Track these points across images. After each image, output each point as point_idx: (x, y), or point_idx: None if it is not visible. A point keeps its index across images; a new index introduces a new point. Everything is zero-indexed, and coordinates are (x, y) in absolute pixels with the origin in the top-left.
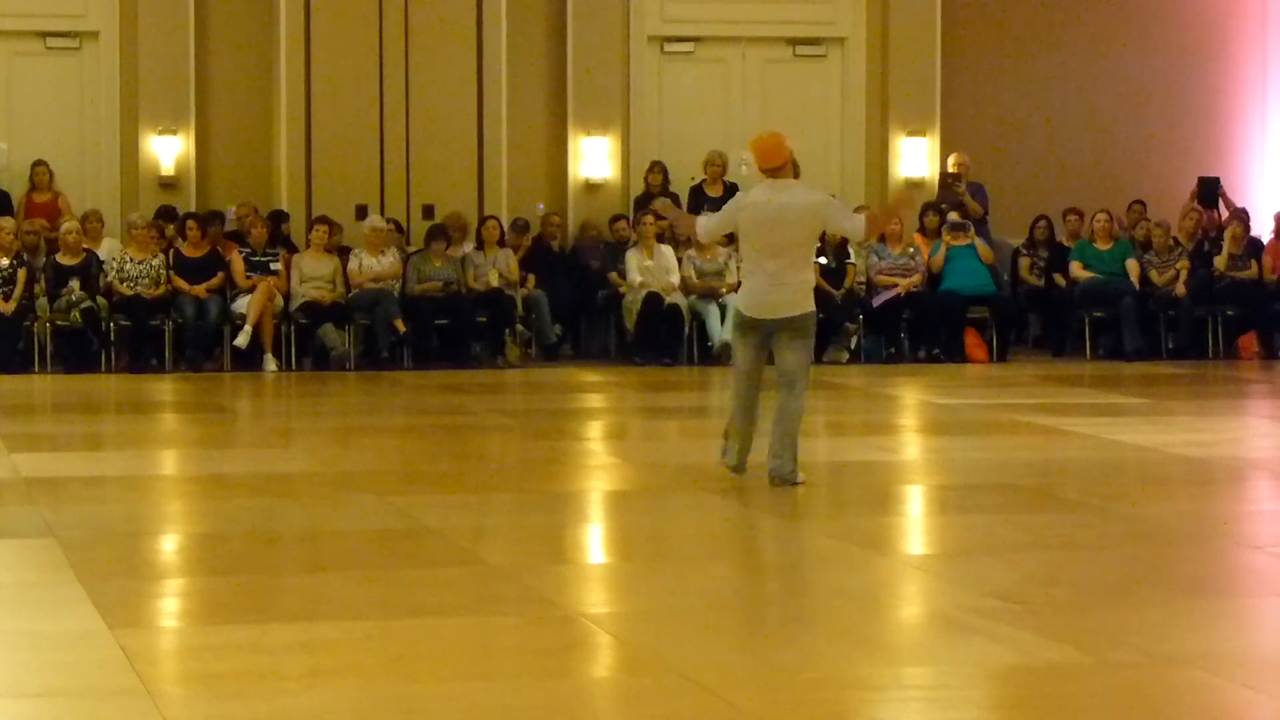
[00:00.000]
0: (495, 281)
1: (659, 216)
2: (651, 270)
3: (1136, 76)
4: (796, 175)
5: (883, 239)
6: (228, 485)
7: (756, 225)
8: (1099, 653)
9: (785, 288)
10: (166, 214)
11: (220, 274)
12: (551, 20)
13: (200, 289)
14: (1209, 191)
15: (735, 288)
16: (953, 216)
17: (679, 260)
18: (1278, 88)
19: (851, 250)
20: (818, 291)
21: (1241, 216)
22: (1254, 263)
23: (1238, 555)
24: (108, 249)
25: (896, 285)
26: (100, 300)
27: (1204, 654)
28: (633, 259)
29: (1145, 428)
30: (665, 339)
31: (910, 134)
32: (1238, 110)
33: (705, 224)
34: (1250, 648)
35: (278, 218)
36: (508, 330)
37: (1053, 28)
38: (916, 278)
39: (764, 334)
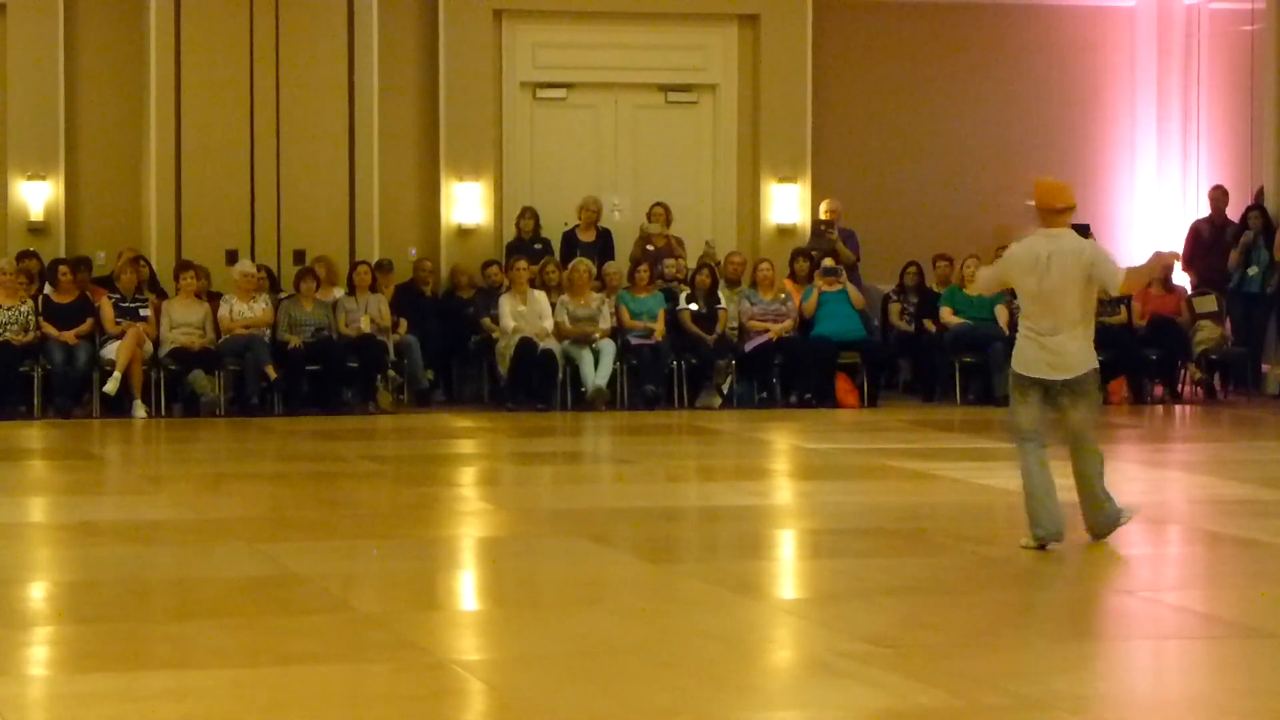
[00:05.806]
0: (367, 327)
1: None
2: (525, 315)
3: (1006, 125)
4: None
5: (754, 284)
6: (96, 533)
7: (1026, 275)
8: (970, 696)
9: (1062, 343)
10: (30, 257)
11: (89, 320)
12: (424, 65)
13: (69, 335)
14: None
15: (608, 333)
16: (825, 262)
17: (552, 306)
18: (1145, 138)
19: (722, 295)
20: (689, 336)
21: None
22: (1123, 308)
23: (1107, 599)
24: None
25: (768, 330)
26: None
27: (1074, 696)
28: (506, 304)
29: (1014, 472)
30: (538, 385)
31: (781, 180)
32: (1106, 159)
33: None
34: (1119, 691)
35: (137, 262)
36: (379, 376)
37: (922, 77)
38: (788, 323)
39: (1043, 392)
